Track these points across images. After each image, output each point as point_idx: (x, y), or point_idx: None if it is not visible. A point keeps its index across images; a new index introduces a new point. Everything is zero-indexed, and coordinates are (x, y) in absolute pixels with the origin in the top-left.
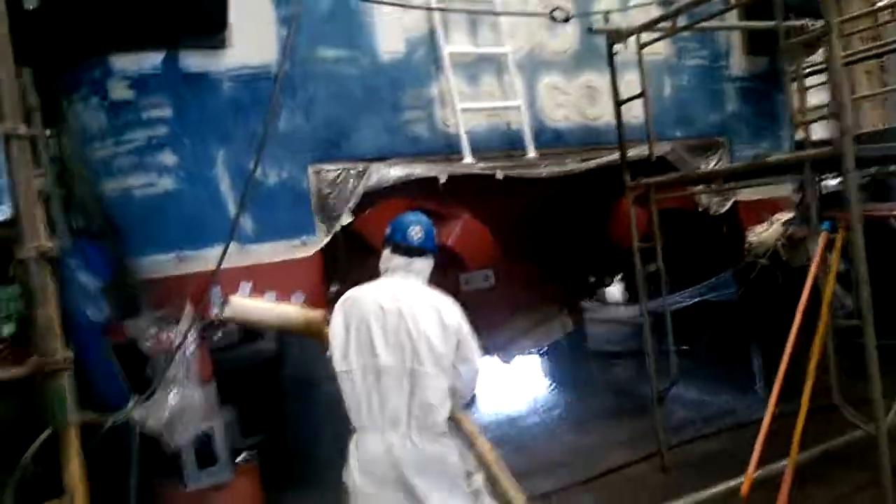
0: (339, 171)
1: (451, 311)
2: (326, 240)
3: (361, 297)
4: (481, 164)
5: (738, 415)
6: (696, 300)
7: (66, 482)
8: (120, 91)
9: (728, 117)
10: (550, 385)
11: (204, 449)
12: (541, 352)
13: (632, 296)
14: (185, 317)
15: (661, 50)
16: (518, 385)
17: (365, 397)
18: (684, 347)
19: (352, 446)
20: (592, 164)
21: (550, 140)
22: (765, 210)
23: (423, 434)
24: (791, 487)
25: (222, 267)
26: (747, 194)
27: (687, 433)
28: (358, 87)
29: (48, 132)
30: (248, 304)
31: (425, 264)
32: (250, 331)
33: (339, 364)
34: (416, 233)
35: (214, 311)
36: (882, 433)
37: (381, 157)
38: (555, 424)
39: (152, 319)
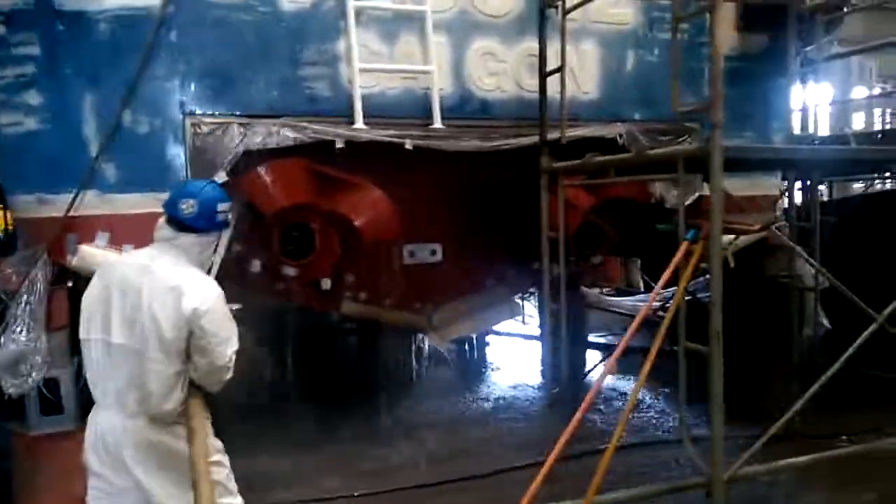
0: (219, 125)
1: (193, 297)
2: None
3: (117, 267)
4: (388, 132)
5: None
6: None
7: None
8: None
9: (704, 101)
10: (518, 369)
11: (52, 397)
12: (538, 336)
13: (645, 285)
14: (36, 260)
15: (628, 19)
16: (486, 364)
17: (99, 373)
18: (674, 348)
19: (88, 422)
20: (525, 141)
21: (476, 111)
22: (737, 207)
23: (150, 420)
24: None
25: (85, 214)
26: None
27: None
28: (252, 37)
29: None
30: (98, 255)
31: (193, 242)
32: None
33: (81, 332)
34: (186, 206)
35: (69, 258)
36: (717, 483)
37: (272, 115)
38: (489, 412)
39: (20, 259)
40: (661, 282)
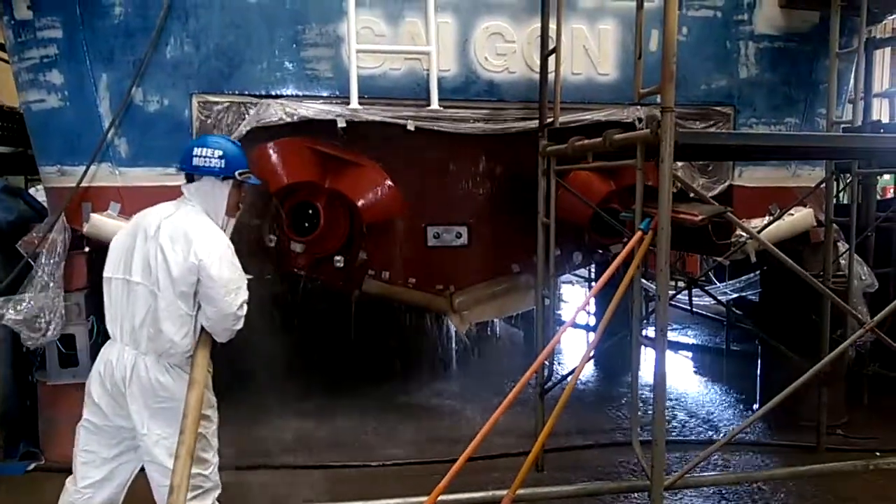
0: (224, 104)
1: (202, 246)
2: None
3: (146, 214)
4: (389, 112)
5: (691, 430)
6: (733, 296)
7: None
8: (22, 11)
9: (740, 84)
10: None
11: (68, 351)
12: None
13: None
14: (56, 226)
15: None
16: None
17: (116, 309)
18: (735, 347)
19: (100, 354)
20: (532, 124)
21: (482, 92)
22: (772, 200)
23: (157, 360)
24: None
25: (98, 185)
26: (748, 179)
27: (619, 437)
28: (257, 19)
29: None
30: (108, 224)
31: (193, 189)
32: None
33: (105, 271)
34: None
35: (84, 225)
36: (657, 489)
37: (275, 95)
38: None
39: (45, 225)
40: (610, 270)
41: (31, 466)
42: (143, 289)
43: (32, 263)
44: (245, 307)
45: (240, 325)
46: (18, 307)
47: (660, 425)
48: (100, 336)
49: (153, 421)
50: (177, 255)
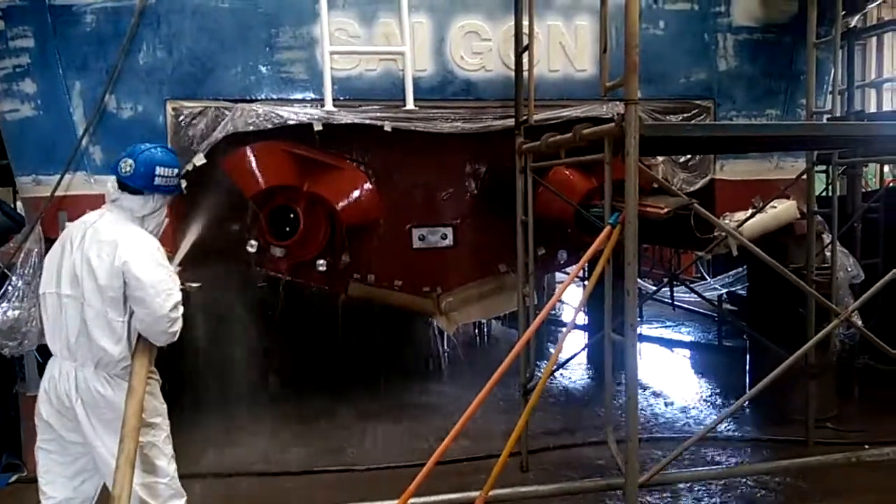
0: (199, 110)
1: (126, 250)
2: None
3: (75, 225)
4: (367, 114)
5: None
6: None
7: None
8: None
9: (719, 76)
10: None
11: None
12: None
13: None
14: (31, 236)
15: None
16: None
17: (52, 324)
18: (727, 343)
19: (45, 372)
20: (511, 122)
21: (459, 92)
22: (755, 193)
23: (95, 372)
24: None
25: (74, 194)
26: (730, 172)
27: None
28: (229, 23)
29: None
30: None
31: (132, 202)
32: None
33: (40, 287)
34: (125, 166)
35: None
36: (632, 486)
37: (250, 99)
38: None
39: (23, 235)
40: (580, 264)
41: (14, 478)
42: (72, 301)
43: (8, 274)
44: (179, 310)
45: (176, 328)
46: None
47: (633, 422)
48: None
49: (104, 433)
50: (102, 260)
